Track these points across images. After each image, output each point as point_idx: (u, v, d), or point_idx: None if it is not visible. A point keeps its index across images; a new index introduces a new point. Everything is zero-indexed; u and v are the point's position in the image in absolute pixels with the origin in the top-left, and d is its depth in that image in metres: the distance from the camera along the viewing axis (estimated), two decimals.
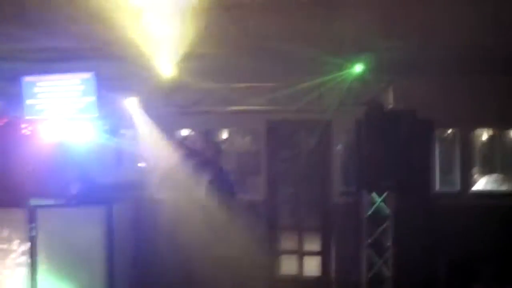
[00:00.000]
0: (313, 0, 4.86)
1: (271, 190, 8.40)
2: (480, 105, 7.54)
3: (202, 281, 6.36)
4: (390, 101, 7.17)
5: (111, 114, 7.26)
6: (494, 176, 8.37)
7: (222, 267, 6.28)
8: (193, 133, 7.99)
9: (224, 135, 8.71)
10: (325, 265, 8.43)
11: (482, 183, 8.31)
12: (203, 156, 6.22)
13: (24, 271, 6.32)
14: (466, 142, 8.03)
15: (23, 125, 7.03)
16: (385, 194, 6.85)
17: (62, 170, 7.25)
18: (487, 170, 8.51)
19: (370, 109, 6.83)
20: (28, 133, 7.04)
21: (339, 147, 8.17)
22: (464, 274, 6.75)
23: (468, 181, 7.99)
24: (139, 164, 8.64)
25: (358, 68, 6.78)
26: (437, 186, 7.95)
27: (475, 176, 8.41)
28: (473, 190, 8.02)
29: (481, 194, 8.06)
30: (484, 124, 8.41)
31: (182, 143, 6.49)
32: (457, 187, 7.97)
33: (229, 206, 6.15)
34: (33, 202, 6.56)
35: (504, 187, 8.19)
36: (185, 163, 6.22)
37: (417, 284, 6.86)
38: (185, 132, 8.34)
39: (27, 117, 6.91)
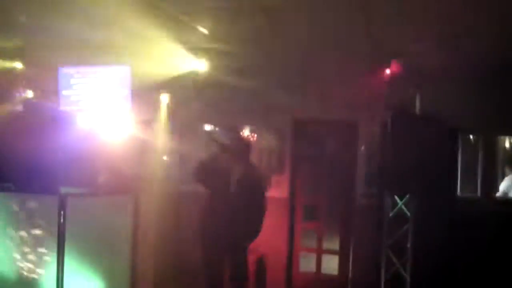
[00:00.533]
0: (347, 3, 4.99)
1: (294, 188, 8.53)
2: (504, 112, 7.59)
3: (220, 272, 6.43)
4: (416, 106, 7.24)
5: (143, 108, 7.45)
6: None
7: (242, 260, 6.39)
8: (221, 129, 8.11)
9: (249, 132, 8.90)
10: (342, 264, 8.52)
11: (503, 186, 8.41)
12: (234, 151, 6.26)
13: (52, 257, 6.29)
14: (489, 148, 8.05)
15: (58, 115, 7.23)
16: (406, 197, 6.90)
17: (91, 160, 7.43)
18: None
19: (396, 113, 6.90)
20: (63, 123, 7.22)
21: (362, 149, 8.26)
22: (481, 279, 6.81)
23: (490, 187, 8.02)
24: (165, 157, 8.83)
25: (387, 72, 6.86)
26: (459, 191, 8.04)
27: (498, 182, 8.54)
28: (494, 196, 8.07)
29: (502, 201, 8.13)
30: (507, 132, 8.51)
31: (213, 138, 6.56)
32: (479, 193, 8.01)
33: (256, 201, 6.22)
34: (64, 190, 6.69)
35: None
36: (216, 157, 6.27)
37: (434, 286, 6.94)
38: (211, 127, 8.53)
39: (62, 107, 7.10)
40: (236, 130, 7.12)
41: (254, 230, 6.26)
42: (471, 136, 8.70)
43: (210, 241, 6.27)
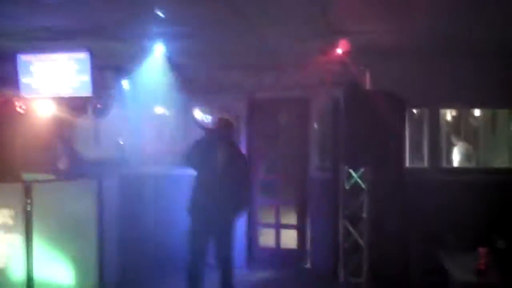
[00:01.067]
0: None
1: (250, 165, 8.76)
2: (446, 86, 8.01)
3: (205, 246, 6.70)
4: (366, 82, 7.57)
5: (104, 93, 7.51)
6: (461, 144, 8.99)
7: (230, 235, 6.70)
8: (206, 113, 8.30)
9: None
10: (300, 238, 8.87)
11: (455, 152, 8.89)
12: (219, 133, 6.58)
13: (19, 243, 6.38)
14: (434, 121, 8.48)
15: (17, 103, 7.22)
16: (361, 170, 7.24)
17: (52, 147, 7.48)
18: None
19: (347, 89, 7.19)
20: (22, 111, 7.23)
21: (315, 125, 8.56)
22: (432, 242, 7.24)
23: (435, 157, 8.47)
24: (121, 141, 8.92)
25: (337, 51, 7.13)
26: (408, 163, 8.47)
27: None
28: (439, 166, 8.53)
29: (447, 170, 8.64)
30: (450, 104, 9.01)
31: (198, 123, 6.80)
32: (425, 163, 8.46)
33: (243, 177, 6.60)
34: (26, 176, 6.74)
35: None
36: (202, 141, 6.56)
37: (389, 251, 7.33)
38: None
39: (22, 95, 7.08)
40: (219, 114, 7.33)
41: (242, 204, 6.75)
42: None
43: (199, 217, 6.54)
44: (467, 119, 10.10)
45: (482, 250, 5.72)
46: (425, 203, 7.71)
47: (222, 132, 6.60)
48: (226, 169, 6.47)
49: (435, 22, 6.17)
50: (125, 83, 8.07)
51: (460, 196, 7.73)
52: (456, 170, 8.77)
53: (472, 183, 7.88)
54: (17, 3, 5.50)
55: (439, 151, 8.63)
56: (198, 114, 8.40)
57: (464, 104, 8.81)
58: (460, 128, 9.61)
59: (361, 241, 7.17)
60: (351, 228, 7.25)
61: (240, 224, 7.59)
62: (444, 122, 10.16)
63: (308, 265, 8.67)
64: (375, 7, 5.75)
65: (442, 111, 9.30)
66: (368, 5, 5.67)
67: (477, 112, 10.09)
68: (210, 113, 8.07)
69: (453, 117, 10.68)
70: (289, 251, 8.94)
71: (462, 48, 7.34)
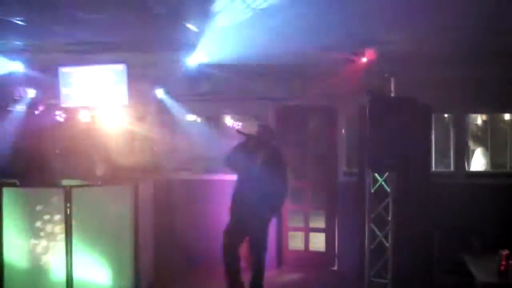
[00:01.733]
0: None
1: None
2: (472, 93, 8.17)
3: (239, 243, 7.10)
4: (391, 89, 7.77)
5: (139, 102, 7.85)
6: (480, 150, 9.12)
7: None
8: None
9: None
10: (329, 241, 9.07)
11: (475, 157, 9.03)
12: (260, 138, 7.01)
13: (60, 245, 6.77)
14: (460, 126, 8.63)
15: (58, 112, 7.61)
16: (386, 175, 7.45)
17: (90, 153, 7.83)
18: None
19: (373, 97, 7.40)
20: (62, 119, 7.61)
21: (343, 132, 8.79)
22: (457, 244, 7.39)
23: (461, 161, 8.62)
24: (155, 148, 9.25)
25: (364, 59, 7.36)
26: (434, 166, 8.64)
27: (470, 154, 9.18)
28: (466, 171, 8.69)
29: (472, 174, 8.79)
30: (476, 110, 9.16)
31: (240, 131, 7.22)
32: (452, 167, 8.62)
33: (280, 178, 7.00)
34: (66, 182, 7.11)
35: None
36: (242, 146, 6.99)
37: (414, 252, 7.52)
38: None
39: (62, 105, 7.48)
40: (260, 121, 7.79)
41: (278, 205, 7.20)
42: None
43: (237, 216, 7.01)
44: (496, 123, 10.14)
45: (503, 252, 5.89)
46: (451, 206, 7.89)
47: (262, 138, 7.00)
48: (264, 171, 6.84)
49: (460, 30, 6.36)
50: (159, 92, 8.40)
51: (485, 199, 7.90)
52: (482, 174, 8.86)
53: (498, 187, 8.03)
54: (57, 19, 5.87)
55: (465, 156, 8.79)
56: (229, 121, 8.75)
57: (489, 109, 8.96)
58: (487, 132, 9.68)
59: (386, 243, 7.36)
60: (377, 231, 7.45)
61: (271, 228, 7.87)
62: (475, 127, 10.29)
63: (335, 267, 8.89)
64: (401, 17, 5.96)
65: (472, 115, 9.49)
66: (394, 15, 5.88)
67: (507, 116, 10.15)
68: (241, 120, 8.39)
69: (483, 121, 10.74)
70: (317, 254, 9.15)
71: (487, 54, 7.51)
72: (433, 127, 8.46)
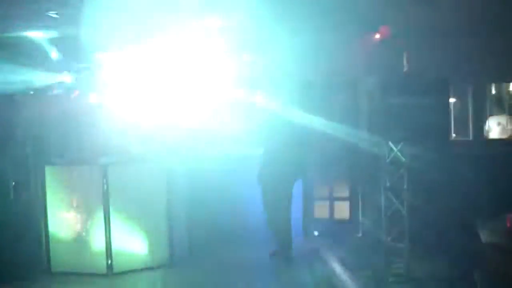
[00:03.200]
0: None
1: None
2: (489, 62, 8.39)
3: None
4: (406, 63, 8.05)
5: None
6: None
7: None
8: None
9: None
10: (352, 209, 9.49)
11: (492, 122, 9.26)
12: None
13: (99, 218, 7.33)
14: (478, 96, 8.87)
15: (92, 96, 8.15)
16: (401, 144, 7.76)
17: (125, 133, 8.29)
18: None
19: (387, 71, 7.72)
20: (96, 103, 8.14)
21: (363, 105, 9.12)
22: (471, 213, 7.70)
23: (480, 131, 8.87)
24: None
25: (377, 36, 7.66)
26: (452, 136, 8.91)
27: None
28: (484, 138, 8.93)
29: (491, 142, 9.03)
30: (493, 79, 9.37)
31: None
32: (470, 136, 8.89)
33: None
34: (102, 160, 7.56)
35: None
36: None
37: (428, 220, 7.84)
38: None
39: (96, 89, 8.03)
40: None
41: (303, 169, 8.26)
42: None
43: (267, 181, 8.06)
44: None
45: (510, 215, 6.22)
46: (468, 173, 8.17)
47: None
48: (290, 141, 7.71)
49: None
50: None
51: (501, 167, 8.16)
52: (498, 141, 9.10)
53: None
54: None
55: (483, 124, 9.03)
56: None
57: (507, 79, 9.16)
58: (504, 100, 9.87)
59: (403, 210, 7.69)
60: (393, 198, 7.77)
61: (297, 198, 8.39)
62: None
63: (360, 234, 9.29)
64: None
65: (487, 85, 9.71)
66: None
67: None
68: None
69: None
70: (342, 222, 9.55)
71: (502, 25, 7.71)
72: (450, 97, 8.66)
